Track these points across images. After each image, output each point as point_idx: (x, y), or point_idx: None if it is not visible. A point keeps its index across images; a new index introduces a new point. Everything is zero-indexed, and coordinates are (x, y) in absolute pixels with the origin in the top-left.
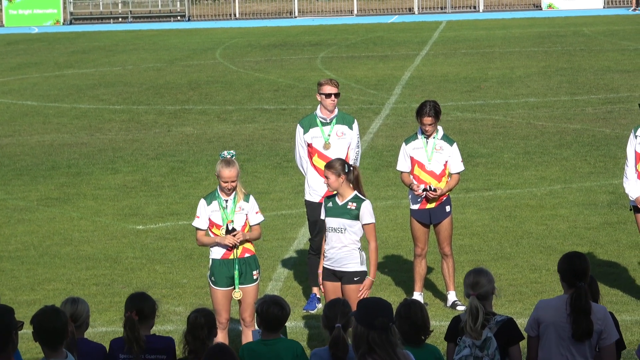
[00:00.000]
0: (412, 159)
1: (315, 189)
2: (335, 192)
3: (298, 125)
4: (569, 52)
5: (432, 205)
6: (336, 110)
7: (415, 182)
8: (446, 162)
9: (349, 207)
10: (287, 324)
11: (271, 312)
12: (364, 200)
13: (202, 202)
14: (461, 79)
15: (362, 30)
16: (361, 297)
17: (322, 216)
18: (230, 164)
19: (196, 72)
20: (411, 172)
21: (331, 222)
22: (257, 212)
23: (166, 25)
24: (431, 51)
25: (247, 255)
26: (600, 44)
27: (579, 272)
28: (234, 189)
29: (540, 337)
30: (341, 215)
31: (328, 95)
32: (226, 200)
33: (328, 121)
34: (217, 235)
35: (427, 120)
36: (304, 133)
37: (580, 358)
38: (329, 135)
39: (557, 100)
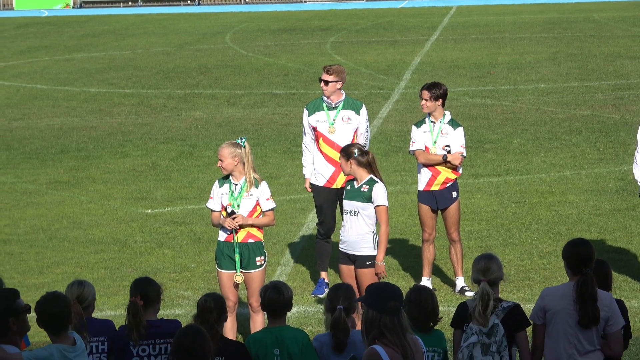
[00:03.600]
0: None
1: (320, 172)
2: (350, 176)
3: (305, 108)
4: (579, 38)
5: (437, 187)
6: (343, 95)
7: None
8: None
9: (362, 189)
10: (295, 309)
11: (267, 296)
12: (377, 182)
13: (216, 183)
14: (471, 65)
15: (372, 15)
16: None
17: (343, 197)
18: (226, 144)
19: (206, 57)
20: None
21: (346, 204)
22: (267, 199)
23: (176, 9)
24: (441, 36)
25: (250, 240)
26: (610, 30)
27: (584, 259)
28: (230, 172)
29: (547, 325)
30: (354, 198)
31: (320, 81)
32: (235, 184)
33: (334, 105)
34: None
35: (424, 94)
36: (309, 115)
37: (587, 345)
38: (334, 120)
39: (567, 86)
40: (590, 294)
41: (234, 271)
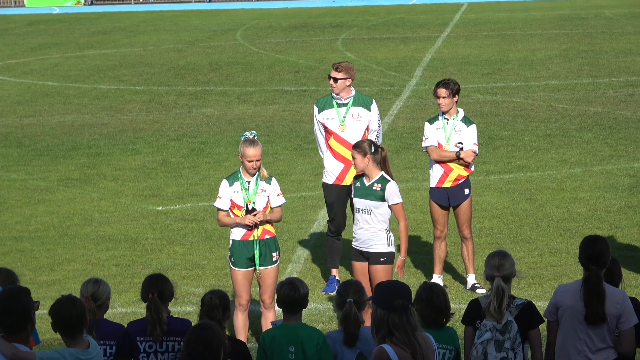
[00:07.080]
0: None
1: (330, 170)
2: (362, 172)
3: (314, 105)
4: (591, 34)
5: (449, 184)
6: (353, 91)
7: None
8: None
9: (374, 188)
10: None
11: (283, 293)
12: (389, 181)
13: (225, 182)
14: (482, 61)
15: (383, 11)
16: (400, 277)
17: (352, 194)
18: (254, 143)
19: (217, 53)
20: None
21: (358, 202)
22: (278, 195)
23: (187, 6)
24: (452, 33)
25: (267, 236)
26: (621, 27)
27: (591, 256)
28: (259, 168)
29: (559, 321)
30: (366, 197)
31: (329, 78)
32: (248, 182)
33: (344, 102)
34: (238, 216)
35: (441, 92)
36: (318, 113)
37: (599, 342)
38: (344, 117)
39: (578, 82)
40: (595, 291)
41: (251, 269)
